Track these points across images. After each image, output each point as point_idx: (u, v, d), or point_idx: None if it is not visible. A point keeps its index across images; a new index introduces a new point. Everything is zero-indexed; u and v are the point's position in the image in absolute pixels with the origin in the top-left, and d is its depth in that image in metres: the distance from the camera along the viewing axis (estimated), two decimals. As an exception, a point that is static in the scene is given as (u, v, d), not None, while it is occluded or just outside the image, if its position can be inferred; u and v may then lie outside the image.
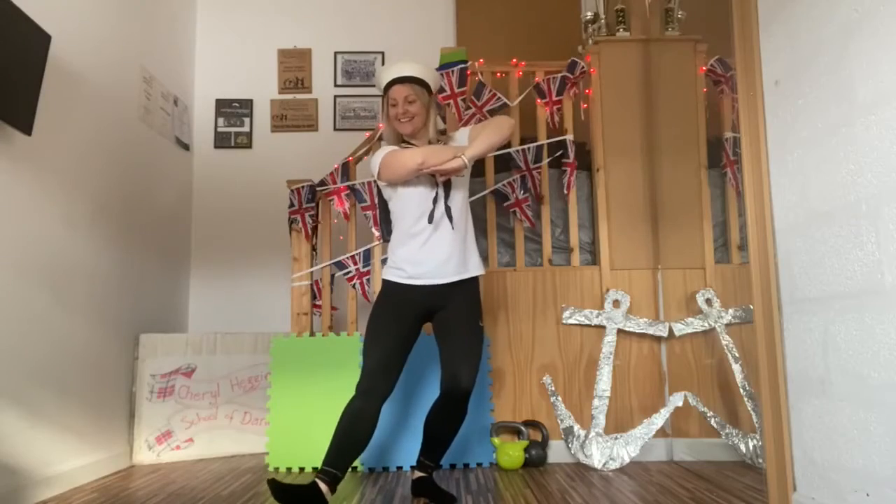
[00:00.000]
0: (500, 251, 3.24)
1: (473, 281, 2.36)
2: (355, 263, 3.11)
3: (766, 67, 1.94)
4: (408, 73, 2.34)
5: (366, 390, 2.22)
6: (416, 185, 2.31)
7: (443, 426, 2.35)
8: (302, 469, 2.89)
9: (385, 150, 2.35)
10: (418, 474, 2.40)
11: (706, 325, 3.05)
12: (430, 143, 2.36)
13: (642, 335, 3.10)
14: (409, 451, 2.87)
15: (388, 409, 2.87)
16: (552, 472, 2.79)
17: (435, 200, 2.30)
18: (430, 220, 2.29)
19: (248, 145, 4.20)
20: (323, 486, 2.13)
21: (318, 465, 2.83)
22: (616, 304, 3.09)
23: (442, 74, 3.18)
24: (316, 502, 2.11)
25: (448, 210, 2.31)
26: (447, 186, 2.32)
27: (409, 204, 2.32)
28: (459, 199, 2.36)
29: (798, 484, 1.82)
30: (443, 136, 2.42)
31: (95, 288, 2.91)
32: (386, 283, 2.35)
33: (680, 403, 2.90)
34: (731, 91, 3.24)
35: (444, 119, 3.32)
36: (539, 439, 2.98)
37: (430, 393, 2.90)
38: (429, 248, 2.29)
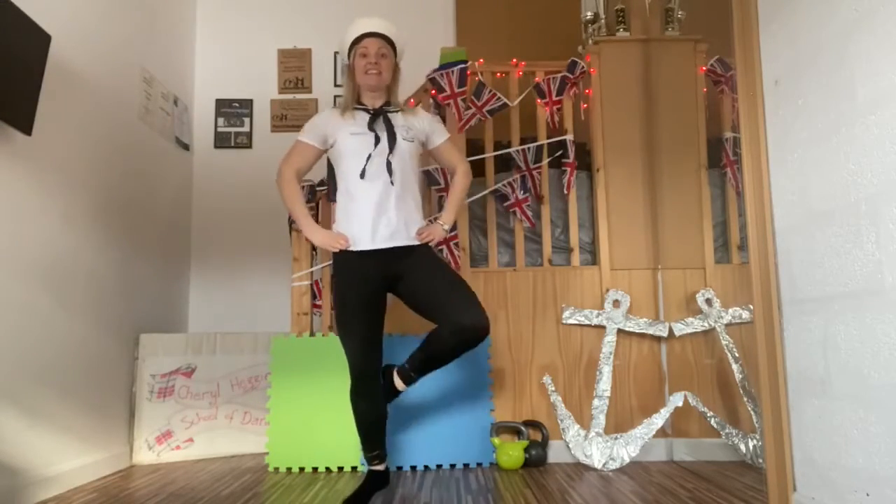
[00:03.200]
0: (500, 251, 3.24)
1: (426, 246, 2.31)
2: (355, 263, 3.11)
3: (766, 67, 1.94)
4: (383, 30, 2.32)
5: (359, 375, 2.27)
6: (356, 137, 2.27)
7: (451, 356, 2.24)
8: (302, 469, 2.89)
9: (312, 122, 2.37)
10: (402, 386, 2.31)
11: (706, 325, 3.05)
12: (387, 105, 2.34)
13: (642, 335, 3.10)
14: (409, 452, 2.88)
15: (388, 409, 2.88)
16: (552, 472, 2.79)
17: (374, 156, 2.25)
18: (363, 175, 2.24)
19: (248, 145, 4.20)
20: (379, 467, 2.37)
21: (319, 465, 2.87)
22: (616, 304, 3.09)
23: (442, 74, 3.18)
24: (382, 482, 2.37)
25: (391, 167, 2.25)
26: (392, 140, 2.26)
27: (349, 158, 2.28)
28: (406, 158, 2.29)
29: (798, 484, 1.82)
30: (403, 106, 2.39)
31: (95, 288, 2.91)
32: (336, 255, 2.28)
33: (680, 403, 2.90)
34: (731, 91, 3.24)
35: (444, 119, 3.33)
36: (539, 439, 2.98)
37: (431, 392, 2.90)
38: (371, 209, 2.23)
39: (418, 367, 2.30)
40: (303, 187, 3.15)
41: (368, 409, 2.31)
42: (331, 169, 2.70)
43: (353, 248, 2.24)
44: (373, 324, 2.27)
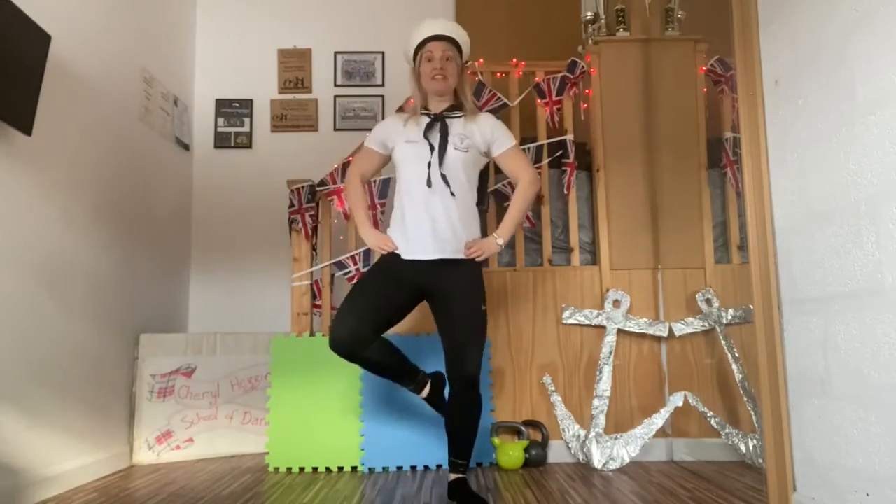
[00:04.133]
0: (501, 251, 3.23)
1: (472, 263, 2.29)
2: (355, 263, 3.11)
3: (766, 67, 1.94)
4: (449, 32, 2.31)
5: (334, 346, 2.20)
6: (410, 145, 2.28)
7: (459, 419, 2.29)
8: (302, 469, 2.89)
9: (377, 127, 2.42)
10: (453, 476, 2.32)
11: (706, 325, 3.05)
12: (454, 107, 2.33)
13: (642, 335, 3.10)
14: (409, 452, 2.88)
15: (389, 409, 2.88)
16: (552, 472, 2.79)
17: (429, 165, 2.25)
18: (429, 184, 2.23)
19: (248, 145, 4.20)
20: (427, 387, 2.37)
21: (319, 465, 2.87)
22: (616, 304, 3.09)
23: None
24: (439, 384, 2.39)
25: (444, 178, 2.24)
26: (442, 151, 2.25)
27: (404, 166, 2.31)
28: (458, 168, 2.27)
29: (798, 484, 1.82)
30: (471, 112, 2.36)
31: (95, 288, 2.91)
32: (383, 255, 2.32)
33: (680, 403, 2.90)
34: (731, 91, 3.23)
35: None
36: (539, 439, 2.98)
37: (430, 393, 2.90)
38: (420, 218, 2.24)
39: (455, 451, 2.32)
40: (303, 187, 3.16)
41: (368, 363, 2.26)
42: None
43: (399, 252, 2.26)
44: (382, 308, 2.21)
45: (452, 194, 2.25)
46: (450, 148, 2.26)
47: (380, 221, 3.09)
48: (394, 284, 2.26)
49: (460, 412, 2.29)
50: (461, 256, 2.25)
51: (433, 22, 2.31)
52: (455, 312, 2.24)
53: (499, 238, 2.32)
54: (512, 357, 3.10)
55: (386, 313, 2.25)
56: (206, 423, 3.32)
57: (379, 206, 3.12)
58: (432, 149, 2.25)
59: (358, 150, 2.40)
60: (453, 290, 2.25)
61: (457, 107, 2.35)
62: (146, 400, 3.19)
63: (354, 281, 2.32)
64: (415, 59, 2.34)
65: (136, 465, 3.11)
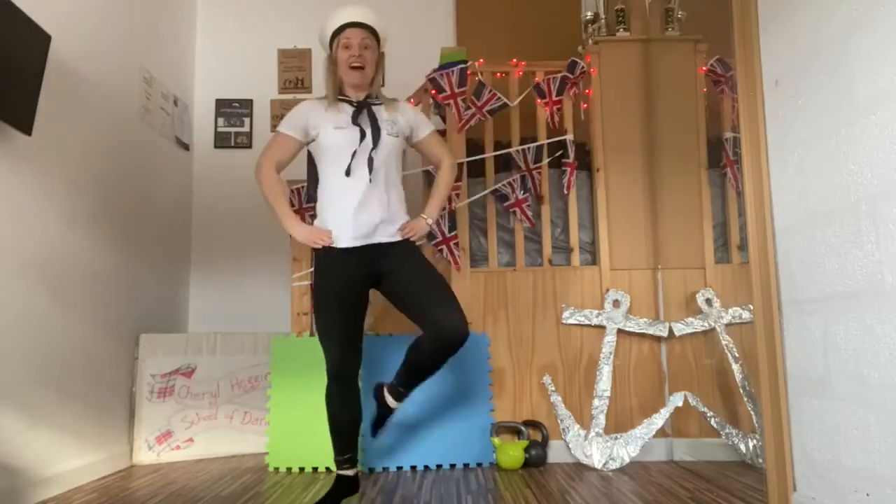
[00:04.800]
0: (500, 251, 3.24)
1: (408, 242, 2.27)
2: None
3: (766, 67, 1.94)
4: (366, 19, 2.25)
5: (336, 376, 2.21)
6: (340, 131, 2.22)
7: (432, 365, 2.24)
8: (302, 469, 2.88)
9: (293, 113, 2.32)
10: (393, 403, 2.31)
11: (706, 325, 3.05)
12: (370, 97, 2.29)
13: (642, 335, 3.10)
14: (409, 452, 2.88)
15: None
16: (552, 472, 2.79)
17: (364, 151, 2.20)
18: (348, 172, 2.19)
19: (248, 145, 4.20)
20: (349, 472, 2.27)
21: (319, 465, 2.86)
22: (616, 304, 3.09)
23: (442, 74, 3.18)
24: (353, 487, 2.27)
25: (376, 163, 2.20)
26: (376, 136, 2.21)
27: (333, 153, 2.23)
28: (391, 153, 2.25)
29: (798, 484, 1.82)
30: (388, 100, 2.33)
31: (95, 288, 2.91)
32: (318, 252, 2.24)
33: (680, 403, 2.90)
34: (731, 91, 3.23)
35: (443, 119, 3.33)
36: (539, 439, 2.98)
37: (431, 392, 2.90)
38: (354, 205, 2.18)
39: (404, 381, 2.28)
40: (302, 187, 3.16)
41: (343, 410, 2.24)
42: (311, 164, 2.63)
43: (335, 244, 2.19)
44: (353, 324, 2.22)
45: (387, 179, 2.24)
46: (383, 133, 2.23)
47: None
48: (349, 291, 2.20)
49: (440, 360, 2.21)
50: (397, 239, 2.25)
51: (352, 8, 2.25)
52: (416, 277, 2.21)
53: (428, 218, 2.33)
54: (512, 357, 3.10)
55: (357, 324, 2.24)
56: (206, 423, 3.32)
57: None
58: (362, 135, 2.20)
59: (271, 142, 2.32)
60: (400, 264, 2.22)
61: (371, 95, 2.31)
62: (146, 400, 3.19)
63: (316, 304, 2.24)
64: (331, 45, 2.29)
65: (136, 465, 3.11)
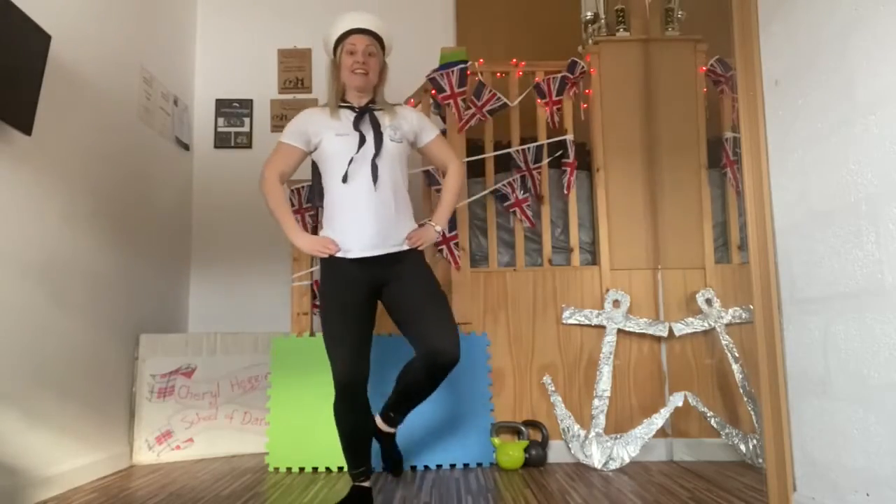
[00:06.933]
0: (500, 251, 3.24)
1: (416, 252, 2.24)
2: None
3: (766, 67, 1.94)
4: (371, 26, 2.22)
5: (345, 386, 2.15)
6: (342, 138, 2.18)
7: (423, 389, 2.22)
8: (302, 469, 2.89)
9: (295, 122, 2.26)
10: (387, 429, 2.32)
11: (706, 325, 3.05)
12: (373, 103, 2.26)
13: (642, 335, 3.10)
14: (409, 452, 2.87)
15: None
16: (552, 472, 2.79)
17: (366, 157, 2.16)
18: (345, 179, 2.15)
19: (248, 145, 4.20)
20: (365, 484, 2.26)
21: (319, 465, 2.86)
22: (616, 304, 3.09)
23: (442, 74, 3.18)
24: (367, 499, 2.25)
25: (381, 169, 2.17)
26: (379, 142, 2.18)
27: (337, 159, 2.18)
28: (395, 159, 2.21)
29: (798, 484, 1.82)
30: (390, 105, 2.30)
31: (95, 288, 2.91)
32: (324, 260, 2.19)
33: (680, 403, 2.90)
34: (731, 91, 3.24)
35: (443, 119, 3.33)
36: (539, 439, 2.98)
37: (430, 393, 2.90)
38: (361, 214, 2.15)
39: (395, 406, 2.27)
40: (302, 187, 3.16)
41: (355, 422, 2.21)
42: (316, 172, 2.60)
43: (340, 254, 2.15)
44: (361, 332, 2.17)
45: (391, 186, 2.19)
46: (386, 139, 2.20)
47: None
48: (356, 300, 2.17)
49: (431, 386, 2.20)
50: (405, 248, 2.21)
51: (357, 14, 2.22)
52: (417, 299, 2.18)
53: (436, 226, 2.29)
54: (512, 357, 3.10)
55: (365, 333, 2.20)
56: (206, 423, 3.32)
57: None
58: (363, 141, 2.17)
59: (274, 152, 2.28)
60: (403, 276, 2.19)
61: (375, 101, 2.28)
62: (146, 400, 3.19)
63: (323, 312, 2.20)
64: (335, 51, 2.26)
65: (135, 465, 3.11)
